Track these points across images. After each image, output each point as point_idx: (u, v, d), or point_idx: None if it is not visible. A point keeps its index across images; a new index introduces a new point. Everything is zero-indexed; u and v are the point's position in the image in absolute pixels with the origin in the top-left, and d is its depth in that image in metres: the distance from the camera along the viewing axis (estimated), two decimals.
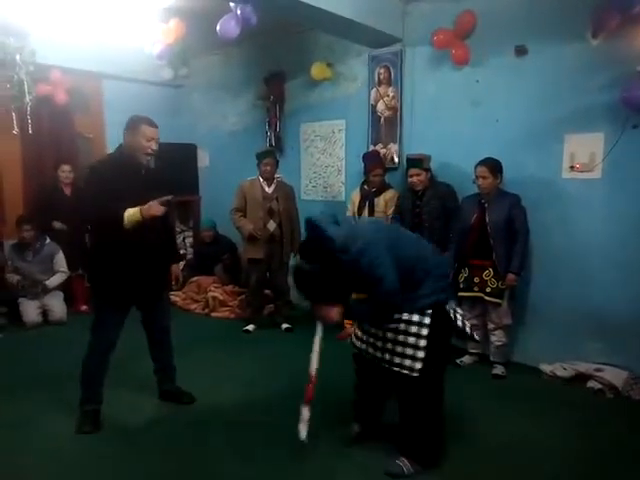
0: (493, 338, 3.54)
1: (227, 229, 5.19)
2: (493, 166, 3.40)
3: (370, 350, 2.40)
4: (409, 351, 2.24)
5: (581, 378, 3.35)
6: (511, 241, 3.37)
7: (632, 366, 3.26)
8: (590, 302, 3.42)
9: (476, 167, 3.44)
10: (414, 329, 2.24)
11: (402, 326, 2.26)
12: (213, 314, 5.05)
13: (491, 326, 3.53)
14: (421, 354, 2.23)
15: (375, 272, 2.11)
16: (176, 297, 5.30)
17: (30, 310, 4.60)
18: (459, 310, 2.43)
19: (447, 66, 3.97)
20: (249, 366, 3.70)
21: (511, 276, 3.35)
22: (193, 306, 5.24)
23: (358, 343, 2.48)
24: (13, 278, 4.62)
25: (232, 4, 3.50)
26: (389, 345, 2.30)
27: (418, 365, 2.22)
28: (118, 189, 2.52)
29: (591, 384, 3.28)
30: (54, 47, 4.83)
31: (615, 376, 3.22)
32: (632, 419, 2.95)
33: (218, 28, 3.59)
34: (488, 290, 3.44)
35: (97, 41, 5.02)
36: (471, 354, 3.73)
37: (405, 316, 2.25)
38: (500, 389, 3.35)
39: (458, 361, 3.69)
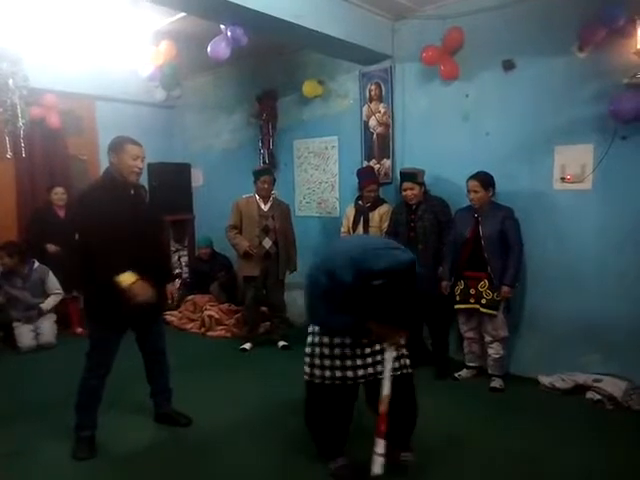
0: (490, 351, 3.52)
1: (223, 247, 5.19)
2: (484, 180, 3.42)
3: (360, 372, 2.35)
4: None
5: (580, 389, 3.34)
6: (505, 254, 3.38)
7: (631, 376, 3.25)
8: (586, 312, 3.42)
9: (468, 181, 3.46)
10: None
11: None
12: (209, 333, 5.01)
13: (488, 339, 3.52)
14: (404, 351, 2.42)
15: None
16: (172, 317, 5.28)
17: (25, 334, 4.55)
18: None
19: (437, 81, 4.01)
20: (246, 385, 3.67)
21: (506, 288, 3.36)
22: (189, 325, 5.20)
23: (349, 373, 2.35)
24: None
25: (222, 26, 3.54)
26: (378, 357, 2.35)
27: (408, 361, 2.44)
28: (109, 215, 2.51)
29: (590, 395, 3.27)
30: (47, 71, 4.86)
31: (614, 386, 3.20)
32: (632, 430, 2.93)
33: (209, 50, 3.62)
34: (483, 301, 3.44)
35: (89, 64, 5.06)
36: (469, 368, 3.71)
37: None
38: (499, 402, 3.33)
39: (456, 375, 3.68)
